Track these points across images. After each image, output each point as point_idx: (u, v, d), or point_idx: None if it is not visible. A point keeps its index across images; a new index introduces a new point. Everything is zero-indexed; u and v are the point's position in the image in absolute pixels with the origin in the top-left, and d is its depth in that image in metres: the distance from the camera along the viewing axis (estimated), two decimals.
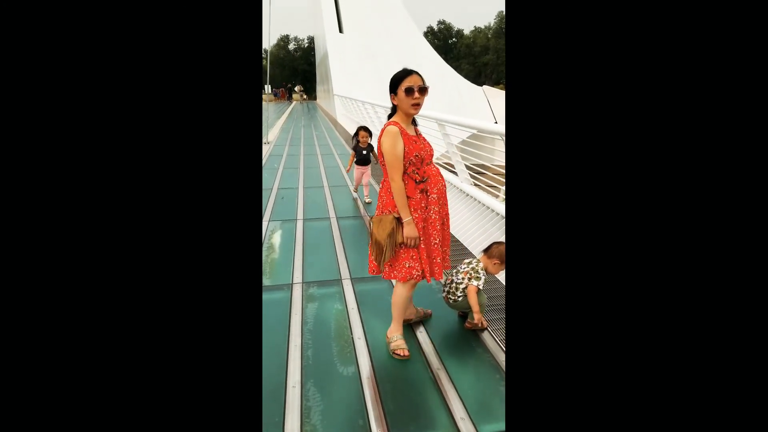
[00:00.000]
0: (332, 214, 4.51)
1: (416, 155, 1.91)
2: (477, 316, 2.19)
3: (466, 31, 70.86)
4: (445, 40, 67.55)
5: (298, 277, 2.96)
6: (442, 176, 2.04)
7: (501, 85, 49.43)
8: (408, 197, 1.93)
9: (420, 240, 1.95)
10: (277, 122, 17.01)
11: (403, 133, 1.90)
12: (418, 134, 2.01)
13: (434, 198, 1.97)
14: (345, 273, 3.02)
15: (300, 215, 4.45)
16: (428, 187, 1.96)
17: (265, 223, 4.15)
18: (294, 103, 38.79)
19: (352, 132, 12.28)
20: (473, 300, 2.19)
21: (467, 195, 5.17)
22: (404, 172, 1.92)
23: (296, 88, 46.84)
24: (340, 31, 27.46)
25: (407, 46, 28.82)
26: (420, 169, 1.94)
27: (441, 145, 5.74)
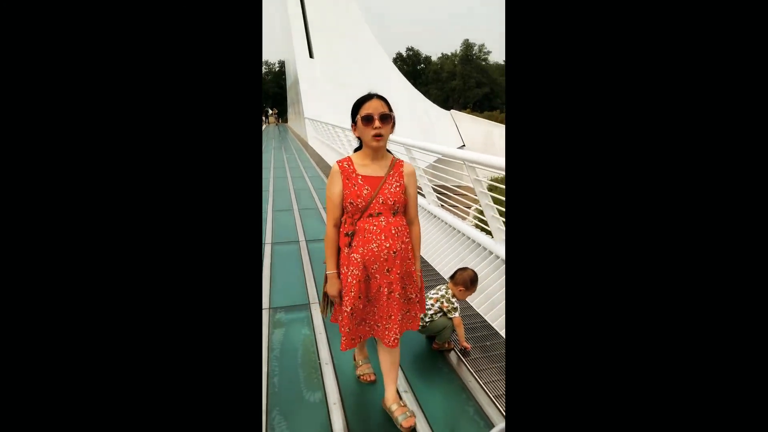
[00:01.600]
0: (302, 237, 4.49)
1: (350, 202, 1.57)
2: (465, 344, 2.30)
3: (434, 58, 73.29)
4: (413, 66, 69.52)
5: (265, 302, 2.92)
6: (395, 237, 1.60)
7: (468, 110, 51.12)
8: (340, 248, 1.66)
9: (338, 299, 1.69)
10: None
11: (345, 173, 1.59)
12: (392, 171, 1.62)
13: (356, 259, 1.58)
14: (314, 297, 3.00)
15: (268, 239, 4.41)
16: (354, 242, 1.60)
17: None
18: (267, 125, 38.84)
19: (324, 154, 12.45)
20: (461, 331, 2.31)
21: (435, 216, 5.27)
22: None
23: (270, 111, 47.88)
24: (311, 56, 27.85)
25: (376, 70, 29.47)
26: (351, 219, 1.61)
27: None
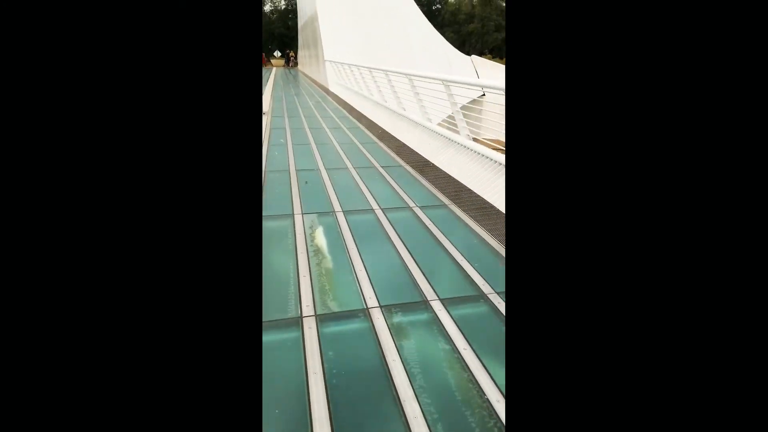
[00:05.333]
0: (374, 204, 3.87)
1: None
2: None
3: None
4: (429, 6, 65.27)
5: (370, 297, 2.36)
6: None
7: (487, 56, 48.47)
8: None
9: None
10: (265, 89, 15.81)
11: None
12: None
13: None
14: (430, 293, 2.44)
15: (337, 206, 3.79)
16: None
17: (298, 218, 3.49)
18: (274, 69, 36.88)
19: (351, 102, 11.45)
20: None
21: (468, 149, 5.05)
22: None
23: (290, 53, 45.78)
24: None
25: (397, 10, 27.35)
26: None
27: (446, 106, 5.71)
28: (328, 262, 2.74)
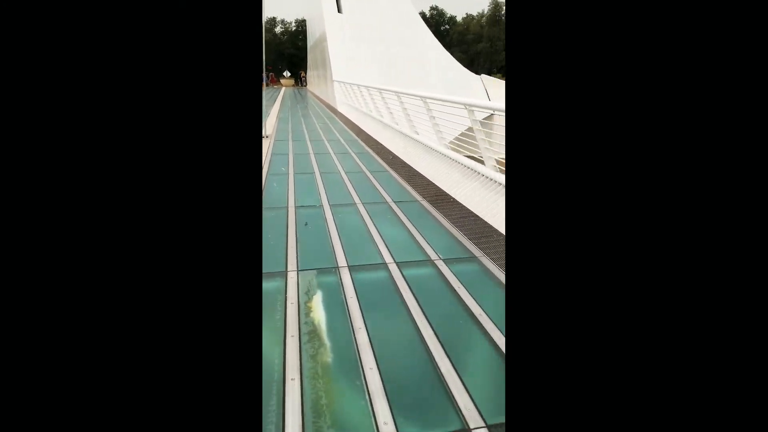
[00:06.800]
0: (389, 258, 3.17)
1: None
2: None
3: (459, 18, 69.14)
4: (437, 26, 65.68)
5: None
6: None
7: (496, 75, 48.28)
8: None
9: None
10: (271, 110, 15.36)
11: None
12: None
13: None
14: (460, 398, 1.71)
15: (342, 260, 3.10)
16: None
17: (292, 277, 2.80)
18: (284, 88, 36.96)
19: (359, 123, 10.99)
20: None
21: (497, 183, 4.32)
22: None
23: (302, 74, 47.19)
24: (339, 11, 25.49)
25: (406, 29, 27.13)
26: None
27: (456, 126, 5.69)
28: (327, 353, 2.03)
